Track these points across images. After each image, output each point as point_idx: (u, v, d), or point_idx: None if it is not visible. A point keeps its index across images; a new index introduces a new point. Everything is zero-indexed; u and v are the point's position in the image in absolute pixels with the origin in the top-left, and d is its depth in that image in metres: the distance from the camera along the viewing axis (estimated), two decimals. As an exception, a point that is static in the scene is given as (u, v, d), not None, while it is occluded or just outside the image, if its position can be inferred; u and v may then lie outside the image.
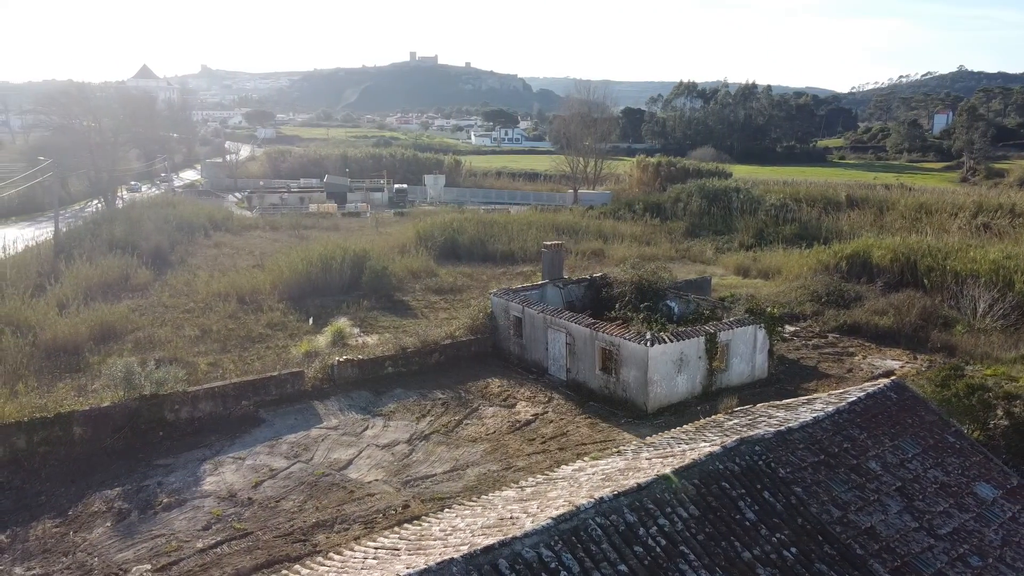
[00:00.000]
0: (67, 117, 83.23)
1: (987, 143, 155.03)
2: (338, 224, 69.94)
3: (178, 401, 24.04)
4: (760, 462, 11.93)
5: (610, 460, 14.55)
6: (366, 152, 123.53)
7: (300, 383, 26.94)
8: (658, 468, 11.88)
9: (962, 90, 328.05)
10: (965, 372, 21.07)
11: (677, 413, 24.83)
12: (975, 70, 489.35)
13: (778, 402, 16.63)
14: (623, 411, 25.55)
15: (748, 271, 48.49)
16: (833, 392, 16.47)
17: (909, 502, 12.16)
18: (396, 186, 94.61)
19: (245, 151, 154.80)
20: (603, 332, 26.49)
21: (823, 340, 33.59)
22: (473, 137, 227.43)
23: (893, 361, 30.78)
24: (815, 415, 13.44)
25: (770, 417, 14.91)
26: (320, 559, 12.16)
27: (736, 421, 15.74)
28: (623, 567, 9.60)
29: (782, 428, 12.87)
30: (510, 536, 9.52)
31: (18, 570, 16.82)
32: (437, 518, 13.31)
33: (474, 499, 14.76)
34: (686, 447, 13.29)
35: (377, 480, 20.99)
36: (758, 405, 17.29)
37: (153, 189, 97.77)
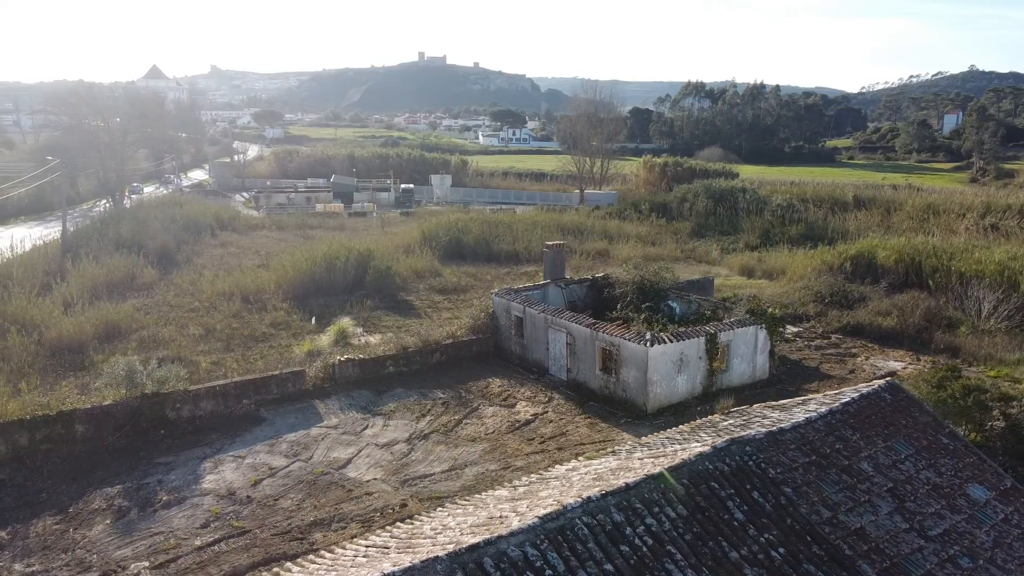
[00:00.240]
0: (76, 117, 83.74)
1: (997, 143, 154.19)
2: (344, 224, 70.14)
3: (179, 399, 24.19)
4: (750, 462, 11.94)
5: (603, 460, 14.58)
6: (373, 152, 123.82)
7: (301, 382, 27.06)
8: (648, 468, 11.91)
9: (973, 90, 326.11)
10: (962, 373, 20.96)
11: (677, 413, 24.82)
12: (986, 70, 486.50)
13: (773, 403, 16.62)
14: (623, 411, 25.57)
15: (753, 272, 48.40)
16: (828, 393, 16.45)
17: (900, 503, 12.15)
18: (402, 186, 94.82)
19: (253, 151, 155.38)
20: (603, 332, 26.50)
21: (826, 341, 33.49)
22: (481, 137, 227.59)
23: (896, 362, 30.67)
24: (807, 416, 13.43)
25: (764, 418, 14.91)
26: (312, 557, 12.24)
27: (731, 421, 15.75)
28: (609, 566, 9.63)
29: (773, 428, 12.87)
30: (496, 535, 9.56)
31: (18, 567, 16.97)
32: (429, 517, 13.38)
33: (467, 498, 14.81)
34: (678, 447, 13.31)
35: (375, 479, 21.08)
36: (754, 406, 17.31)
37: (162, 189, 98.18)
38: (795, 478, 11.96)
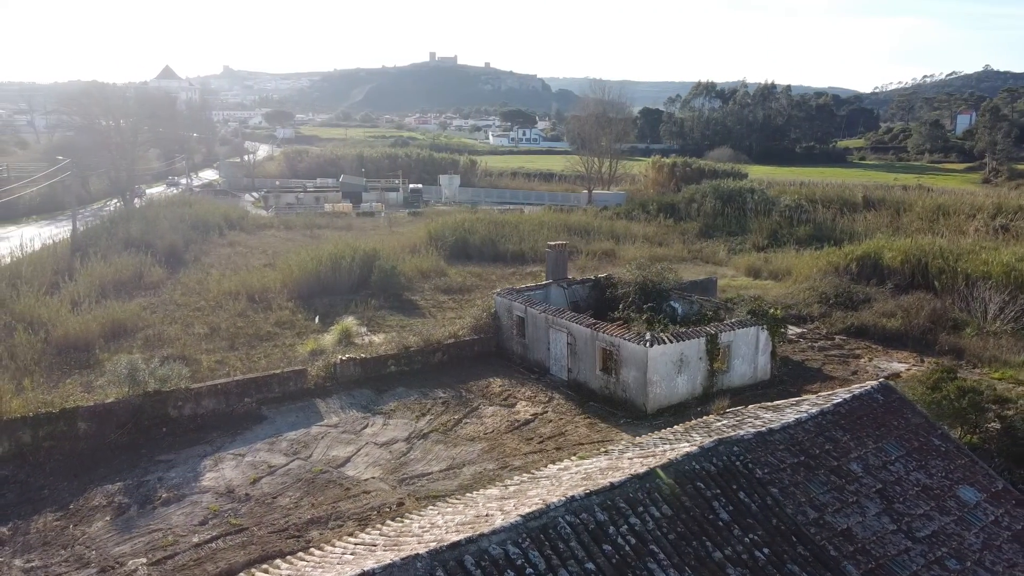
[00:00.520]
0: (88, 117, 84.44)
1: (1010, 143, 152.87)
2: (352, 224, 70.36)
3: (181, 398, 24.37)
4: (737, 463, 11.95)
5: (595, 460, 14.62)
6: (382, 152, 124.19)
7: (303, 381, 27.20)
8: (636, 468, 11.94)
9: (987, 90, 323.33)
10: (958, 375, 20.85)
11: (677, 414, 24.78)
12: (1001, 70, 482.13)
13: (768, 403, 16.61)
14: (623, 411, 25.57)
15: (759, 272, 48.26)
16: (822, 394, 16.43)
17: (889, 504, 12.13)
18: (411, 186, 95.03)
19: (264, 151, 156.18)
20: (603, 332, 26.52)
21: (830, 342, 33.37)
22: (491, 137, 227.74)
23: (899, 363, 30.53)
24: (798, 416, 13.43)
25: (757, 418, 14.91)
26: (301, 554, 12.35)
27: (724, 422, 15.75)
28: (590, 565, 9.68)
29: (763, 429, 12.88)
30: (477, 533, 9.63)
31: (18, 562, 17.16)
32: (420, 515, 13.46)
33: (459, 497, 14.88)
34: (667, 447, 13.34)
35: (373, 478, 21.18)
36: (749, 406, 17.30)
37: (172, 190, 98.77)
38: (782, 478, 11.96)
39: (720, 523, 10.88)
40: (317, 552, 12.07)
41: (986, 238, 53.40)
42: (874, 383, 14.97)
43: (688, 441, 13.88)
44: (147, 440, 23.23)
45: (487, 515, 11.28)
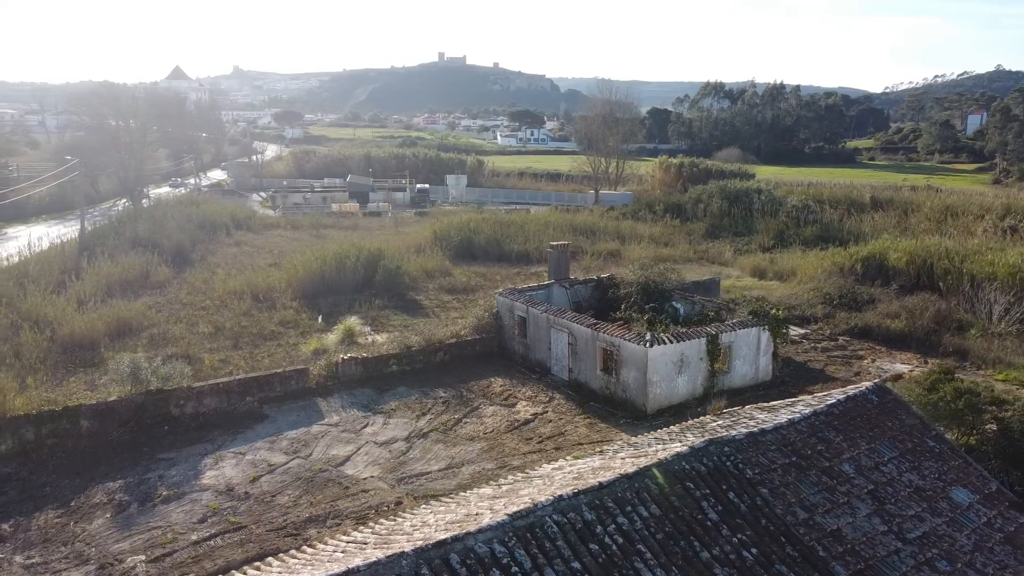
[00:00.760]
0: (97, 117, 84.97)
1: (1021, 144, 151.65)
2: (358, 223, 70.54)
3: (183, 396, 24.52)
4: (728, 463, 11.96)
5: (588, 459, 14.65)
6: (390, 152, 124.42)
7: (304, 380, 27.31)
8: (627, 468, 11.97)
9: (999, 90, 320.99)
10: (955, 376, 20.76)
11: (677, 414, 24.74)
12: (1013, 69, 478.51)
13: (764, 404, 16.60)
14: (623, 412, 25.58)
15: (765, 273, 48.14)
16: (817, 394, 16.40)
17: (880, 505, 12.11)
18: (418, 186, 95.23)
19: (272, 151, 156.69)
20: (604, 332, 26.53)
21: (833, 343, 33.27)
22: (499, 137, 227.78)
23: (903, 365, 30.41)
24: (791, 417, 13.42)
25: (751, 419, 14.90)
26: (293, 552, 12.43)
27: (719, 422, 15.75)
28: (576, 564, 9.71)
29: (755, 429, 12.88)
30: (464, 531, 9.68)
31: (18, 558, 17.32)
32: (412, 514, 13.52)
33: (453, 496, 14.94)
34: (659, 447, 13.35)
35: (372, 477, 21.27)
36: (746, 407, 17.29)
37: (180, 190, 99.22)
38: (773, 479, 11.96)
39: (709, 523, 10.90)
40: (309, 550, 12.15)
41: (994, 239, 53.11)
42: (869, 384, 14.94)
43: (681, 441, 13.89)
44: (149, 438, 23.38)
45: (477, 514, 11.34)
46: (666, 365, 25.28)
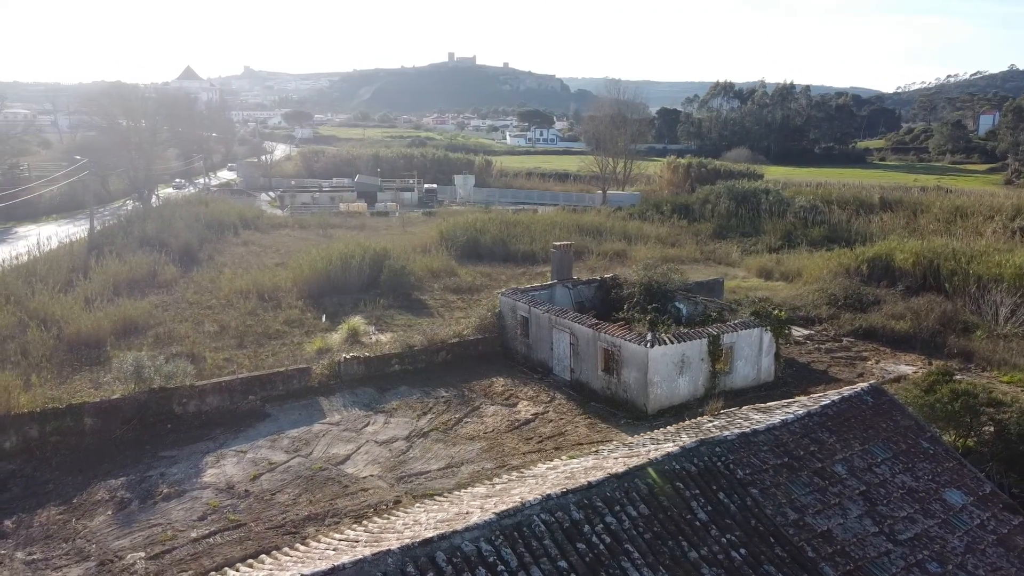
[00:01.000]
0: (108, 118, 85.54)
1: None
2: (365, 223, 70.73)
3: (186, 395, 24.69)
4: (719, 463, 11.97)
5: (582, 459, 14.68)
6: (398, 152, 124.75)
7: (307, 379, 27.44)
8: (618, 467, 12.00)
9: (1012, 90, 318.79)
10: (953, 377, 20.65)
11: (678, 415, 24.70)
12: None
13: (760, 405, 16.59)
14: (624, 412, 25.57)
15: (771, 274, 48.00)
16: (813, 395, 16.37)
17: (872, 506, 12.10)
18: (426, 186, 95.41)
19: (281, 151, 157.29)
20: (605, 333, 26.54)
21: (837, 344, 33.14)
22: (508, 137, 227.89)
23: (907, 366, 30.27)
24: (784, 418, 13.42)
25: (746, 419, 14.90)
26: (286, 549, 12.52)
27: (716, 423, 15.75)
28: (563, 563, 9.75)
29: (747, 430, 12.88)
30: (451, 530, 9.73)
31: (20, 555, 17.49)
32: (406, 512, 13.59)
33: (447, 495, 15.00)
34: (651, 447, 13.37)
35: (372, 475, 21.35)
36: (743, 408, 17.28)
37: (188, 190, 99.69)
38: (764, 479, 11.97)
39: (698, 523, 10.92)
40: (301, 548, 12.24)
41: (1003, 240, 52.78)
42: (864, 385, 14.91)
43: (674, 442, 13.90)
44: (152, 436, 23.55)
45: (467, 512, 11.39)
46: (667, 366, 25.26)
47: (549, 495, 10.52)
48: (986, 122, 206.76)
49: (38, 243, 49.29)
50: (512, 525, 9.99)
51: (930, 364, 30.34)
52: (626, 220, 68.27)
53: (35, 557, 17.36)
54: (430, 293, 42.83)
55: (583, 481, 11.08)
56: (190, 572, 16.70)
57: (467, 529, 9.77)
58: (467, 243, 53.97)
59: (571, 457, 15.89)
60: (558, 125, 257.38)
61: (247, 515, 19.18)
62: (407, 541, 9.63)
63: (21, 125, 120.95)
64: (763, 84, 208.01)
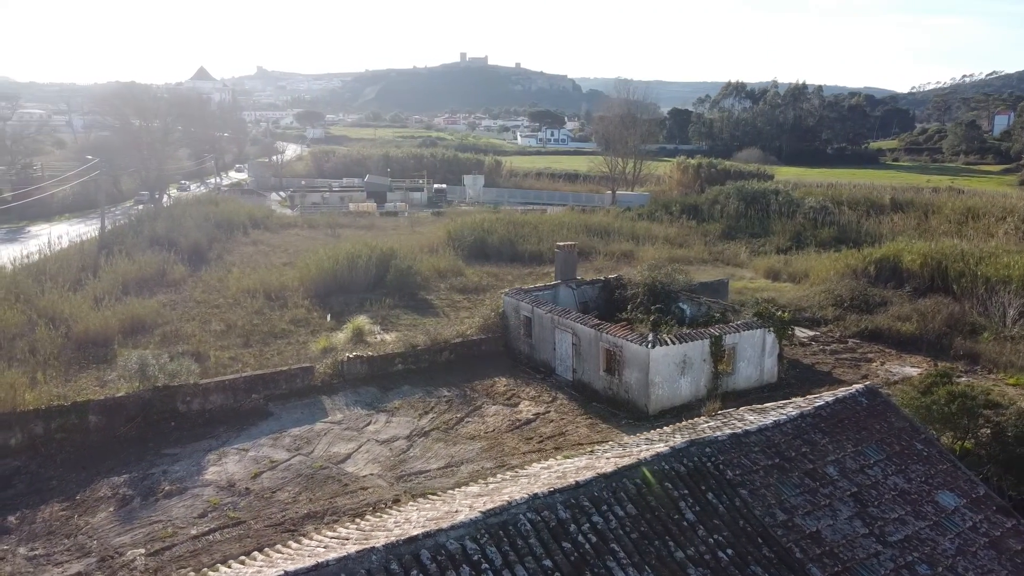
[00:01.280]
0: (121, 118, 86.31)
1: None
2: (374, 223, 70.99)
3: (190, 393, 24.88)
4: (708, 464, 11.98)
5: (576, 459, 14.71)
6: (408, 152, 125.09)
7: (310, 378, 27.59)
8: (608, 467, 12.02)
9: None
10: (952, 379, 20.53)
11: (680, 416, 24.64)
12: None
13: (757, 406, 16.56)
14: (625, 413, 25.58)
15: (778, 275, 47.83)
16: (808, 396, 16.33)
17: (862, 508, 12.07)
18: (435, 186, 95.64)
19: (292, 151, 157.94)
20: (607, 333, 26.55)
21: (842, 345, 33.00)
22: (519, 138, 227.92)
23: (912, 368, 30.10)
24: (776, 418, 13.40)
25: (741, 420, 14.88)
26: (279, 546, 12.61)
27: (711, 424, 15.74)
28: (548, 562, 9.79)
29: (739, 431, 12.88)
30: (436, 528, 9.80)
31: (22, 550, 17.70)
32: (399, 511, 13.67)
33: (440, 494, 15.06)
34: (643, 447, 13.39)
35: (372, 474, 21.46)
36: (739, 409, 17.26)
37: (200, 188, 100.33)
38: (754, 480, 11.97)
39: (685, 523, 10.94)
40: (294, 545, 12.34)
41: (1014, 241, 52.37)
42: (859, 386, 14.87)
43: (667, 442, 13.91)
44: (155, 434, 23.76)
45: (457, 511, 11.45)
46: (668, 366, 25.25)
47: (536, 494, 10.57)
48: (1001, 122, 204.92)
49: (49, 242, 49.76)
50: (498, 524, 10.04)
51: (936, 366, 30.11)
52: (634, 220, 68.18)
53: (37, 553, 17.57)
54: (436, 293, 42.94)
55: (571, 480, 11.12)
56: (188, 569, 16.85)
57: (453, 527, 9.83)
58: (474, 243, 54.05)
59: (566, 457, 15.93)
60: (569, 125, 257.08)
61: (247, 513, 19.33)
62: (393, 539, 9.70)
63: (35, 125, 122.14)
64: (775, 84, 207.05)
